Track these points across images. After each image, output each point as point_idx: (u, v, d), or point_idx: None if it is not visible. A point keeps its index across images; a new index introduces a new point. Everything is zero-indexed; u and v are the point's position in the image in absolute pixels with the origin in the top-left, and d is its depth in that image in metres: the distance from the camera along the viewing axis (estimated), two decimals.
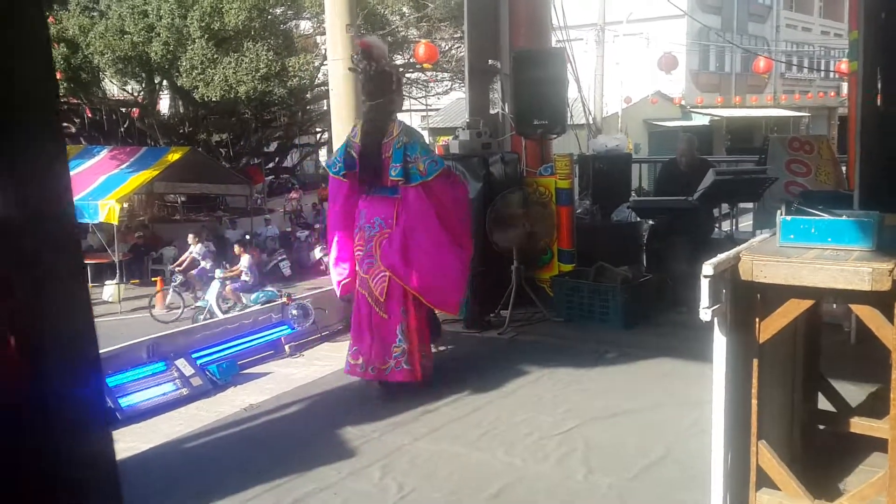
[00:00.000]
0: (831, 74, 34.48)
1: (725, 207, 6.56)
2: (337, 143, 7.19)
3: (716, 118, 29.85)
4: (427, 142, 4.64)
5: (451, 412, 4.17)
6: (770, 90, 33.27)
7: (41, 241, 0.90)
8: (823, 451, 3.31)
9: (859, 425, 3.10)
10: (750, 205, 7.00)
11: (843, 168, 6.45)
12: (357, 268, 4.56)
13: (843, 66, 22.11)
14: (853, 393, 3.63)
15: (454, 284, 4.55)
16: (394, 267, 4.38)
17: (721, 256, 2.42)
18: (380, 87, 4.53)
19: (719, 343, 2.46)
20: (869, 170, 4.12)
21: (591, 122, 9.91)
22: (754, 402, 2.65)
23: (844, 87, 35.08)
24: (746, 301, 2.55)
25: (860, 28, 4.39)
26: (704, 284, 2.31)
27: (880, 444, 3.17)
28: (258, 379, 4.92)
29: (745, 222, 8.57)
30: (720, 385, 2.49)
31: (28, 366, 0.88)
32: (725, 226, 6.91)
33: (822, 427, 3.44)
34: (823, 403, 3.43)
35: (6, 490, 0.88)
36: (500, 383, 4.55)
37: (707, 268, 2.31)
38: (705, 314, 2.34)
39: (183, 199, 20.83)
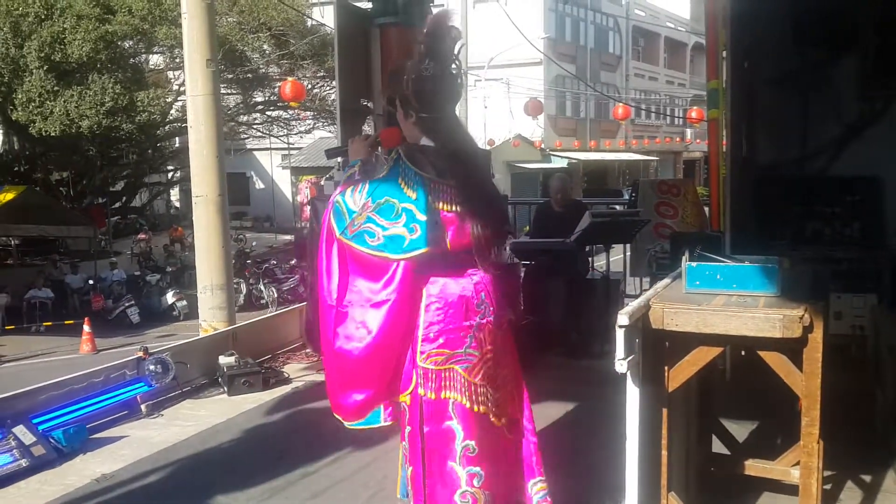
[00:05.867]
0: (677, 121, 37.12)
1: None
2: (197, 182, 6.73)
3: (573, 161, 31.26)
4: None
5: (333, 473, 3.85)
6: (622, 135, 35.38)
7: None
8: (718, 495, 3.29)
9: (754, 467, 3.10)
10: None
11: (706, 209, 6.77)
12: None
13: (693, 114, 23.92)
14: (736, 431, 3.68)
15: None
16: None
17: (633, 305, 2.34)
18: None
19: (632, 395, 2.36)
20: (738, 214, 4.29)
21: None
22: (664, 453, 2.57)
23: (689, 132, 37.94)
24: (656, 350, 2.48)
25: (726, 77, 4.61)
26: (619, 335, 2.20)
27: (771, 485, 3.21)
28: (111, 444, 4.42)
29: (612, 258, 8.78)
30: (634, 438, 2.38)
31: None
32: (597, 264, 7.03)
33: (713, 469, 3.43)
34: (716, 445, 3.44)
35: None
36: (385, 436, 4.24)
37: (622, 318, 2.20)
38: (621, 366, 2.23)
39: (17, 241, 19.13)
